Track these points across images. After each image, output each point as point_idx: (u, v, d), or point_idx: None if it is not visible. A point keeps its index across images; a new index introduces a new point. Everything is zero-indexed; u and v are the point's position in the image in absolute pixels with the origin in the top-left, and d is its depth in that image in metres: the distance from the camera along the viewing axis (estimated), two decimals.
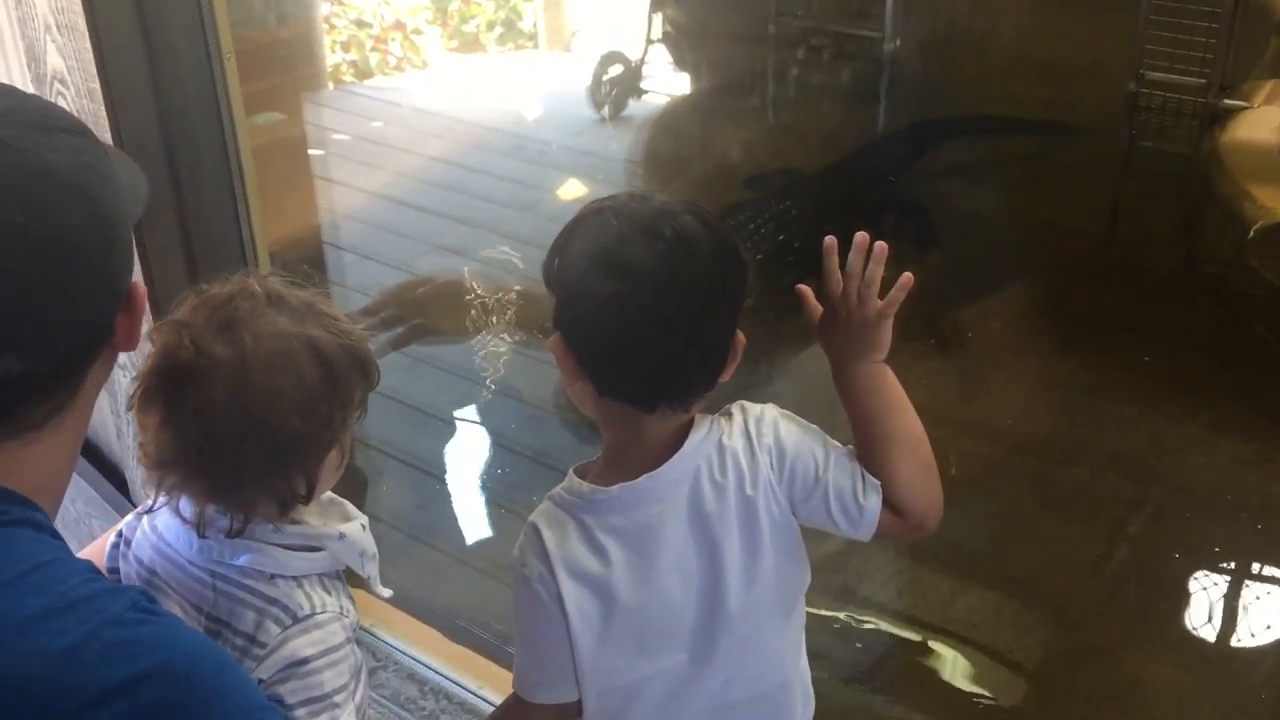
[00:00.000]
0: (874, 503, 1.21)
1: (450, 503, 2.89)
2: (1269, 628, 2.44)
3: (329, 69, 5.62)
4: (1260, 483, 2.73)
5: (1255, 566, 2.61)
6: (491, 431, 3.10)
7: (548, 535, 1.20)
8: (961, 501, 2.27)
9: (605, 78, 5.01)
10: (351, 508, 1.23)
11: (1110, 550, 2.58)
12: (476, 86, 5.53)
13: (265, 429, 1.07)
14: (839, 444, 1.24)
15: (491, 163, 4.51)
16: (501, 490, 2.86)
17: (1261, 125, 4.41)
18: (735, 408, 1.25)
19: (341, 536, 1.17)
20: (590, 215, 1.22)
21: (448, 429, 3.12)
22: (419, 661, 2.13)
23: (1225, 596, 2.49)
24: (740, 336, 1.20)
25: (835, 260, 1.23)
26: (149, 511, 1.18)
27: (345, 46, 5.95)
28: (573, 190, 4.39)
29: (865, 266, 1.21)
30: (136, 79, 1.67)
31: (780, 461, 1.21)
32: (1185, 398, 3.02)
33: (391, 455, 2.92)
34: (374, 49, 6.06)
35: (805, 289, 1.28)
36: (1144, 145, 4.60)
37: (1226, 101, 4.39)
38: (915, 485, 1.21)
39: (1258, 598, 2.53)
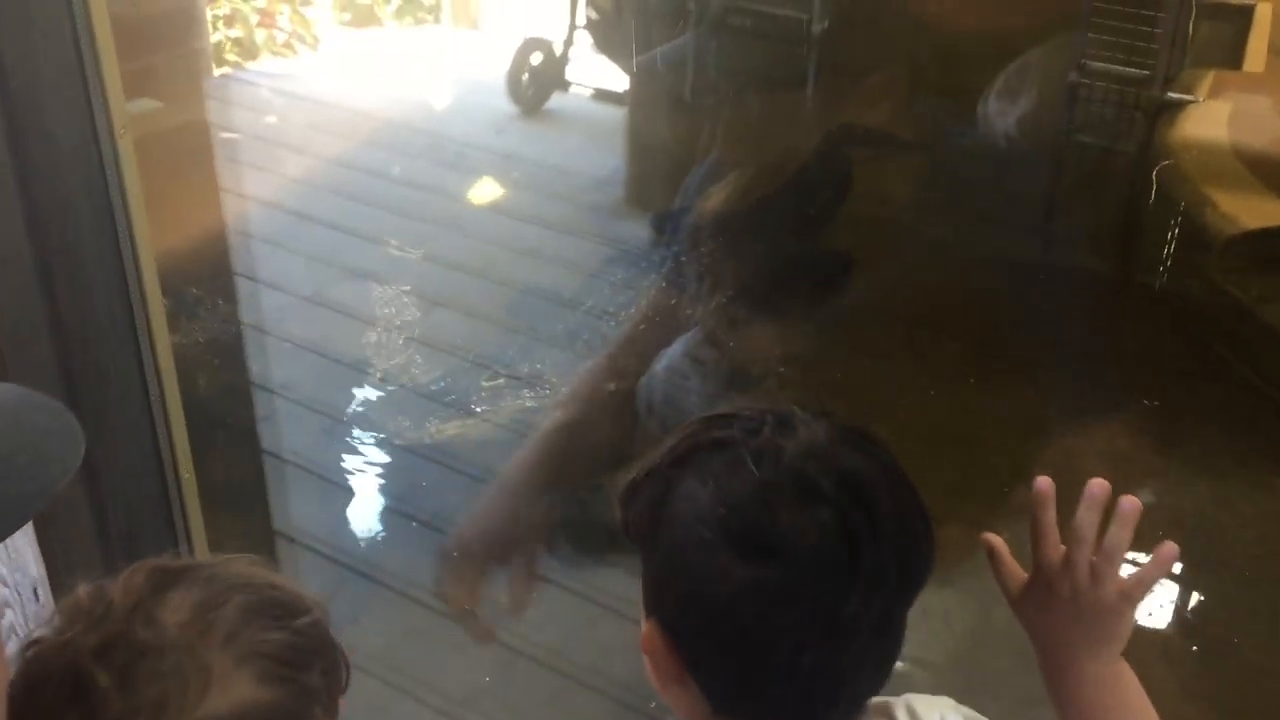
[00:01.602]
0: None
1: None
2: None
3: (211, 48, 5.03)
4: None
5: None
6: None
7: None
8: None
9: (526, 68, 4.55)
10: None
11: None
12: (376, 69, 5.01)
13: None
14: None
15: (403, 166, 4.03)
16: None
17: (1211, 121, 4.17)
18: (901, 709, 0.89)
19: None
20: (707, 447, 0.83)
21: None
22: None
23: None
24: None
25: (1052, 514, 0.87)
26: None
27: (228, 21, 5.34)
28: (499, 202, 3.95)
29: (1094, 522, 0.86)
30: None
31: None
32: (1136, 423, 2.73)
33: None
34: (260, 24, 5.47)
35: (996, 542, 0.91)
36: (1082, 140, 4.35)
37: (1170, 95, 4.13)
38: None
39: None
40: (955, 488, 2.36)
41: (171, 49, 1.71)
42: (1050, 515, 0.87)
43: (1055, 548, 0.88)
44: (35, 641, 0.85)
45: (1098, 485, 0.86)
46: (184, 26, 1.80)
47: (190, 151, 1.70)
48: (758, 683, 0.81)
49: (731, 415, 0.85)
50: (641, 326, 2.28)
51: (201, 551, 1.57)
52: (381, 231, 3.66)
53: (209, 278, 1.84)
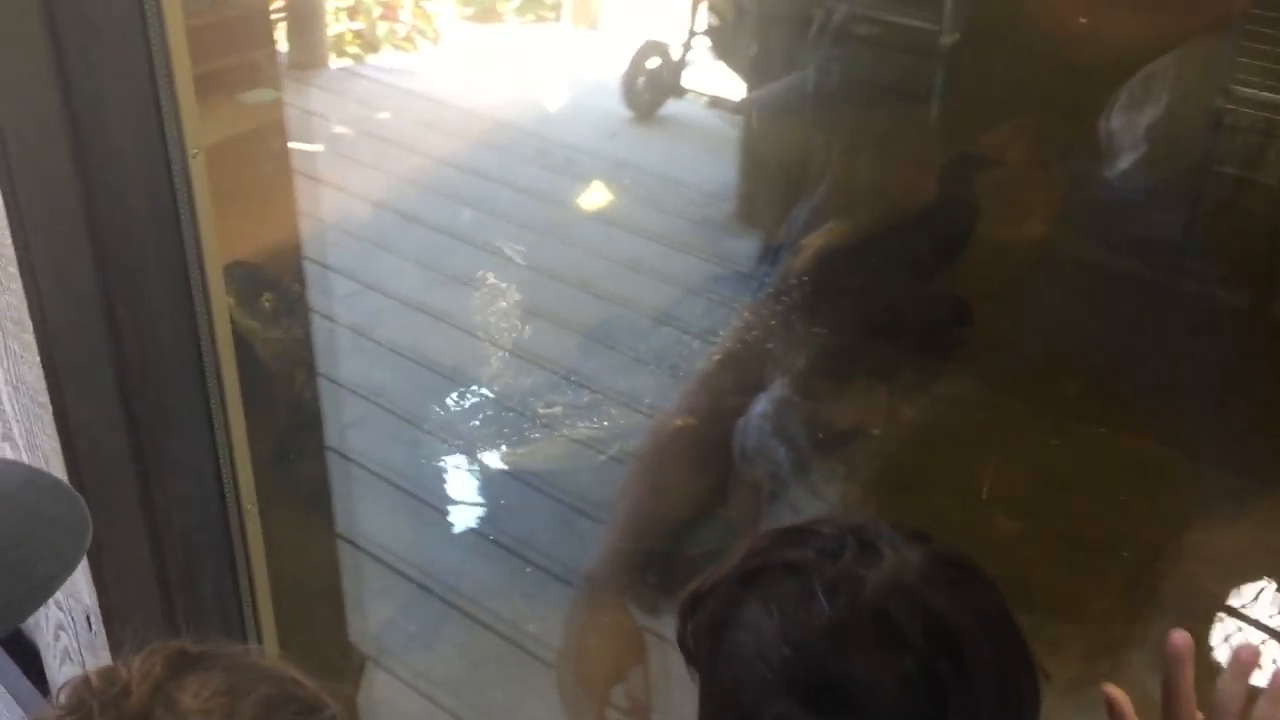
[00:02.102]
0: None
1: None
2: None
3: (330, 39, 5.05)
4: None
5: None
6: None
7: None
8: None
9: (642, 72, 4.45)
10: None
11: None
12: (494, 67, 4.96)
13: None
14: None
15: (512, 170, 3.96)
16: None
17: None
18: None
19: None
20: (777, 569, 0.72)
21: None
22: None
23: None
24: None
25: (1189, 677, 0.74)
26: None
27: (351, 13, 5.35)
28: (605, 211, 3.86)
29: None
30: None
31: None
32: None
33: None
34: (382, 17, 5.47)
35: (1118, 697, 0.78)
36: (1224, 171, 4.06)
37: None
38: None
39: None
40: (1072, 593, 2.18)
41: (244, 53, 1.65)
42: (1187, 678, 0.74)
43: (1191, 715, 0.74)
44: None
45: (1247, 651, 0.72)
46: (259, 30, 1.74)
47: (266, 157, 1.63)
48: None
49: (808, 531, 0.74)
50: (723, 363, 2.14)
51: (262, 590, 1.51)
52: (485, 237, 3.59)
53: (278, 283, 1.79)
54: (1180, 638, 0.74)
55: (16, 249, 1.14)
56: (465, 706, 2.18)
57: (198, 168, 1.24)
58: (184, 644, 0.85)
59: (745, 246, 3.39)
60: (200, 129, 1.22)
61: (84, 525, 0.80)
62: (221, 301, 1.31)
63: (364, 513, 2.51)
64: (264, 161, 1.69)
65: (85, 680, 0.82)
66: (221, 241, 1.36)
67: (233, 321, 2.02)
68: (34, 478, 0.84)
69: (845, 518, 0.76)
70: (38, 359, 1.21)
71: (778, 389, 1.81)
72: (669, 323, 3.16)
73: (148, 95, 1.17)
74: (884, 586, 0.69)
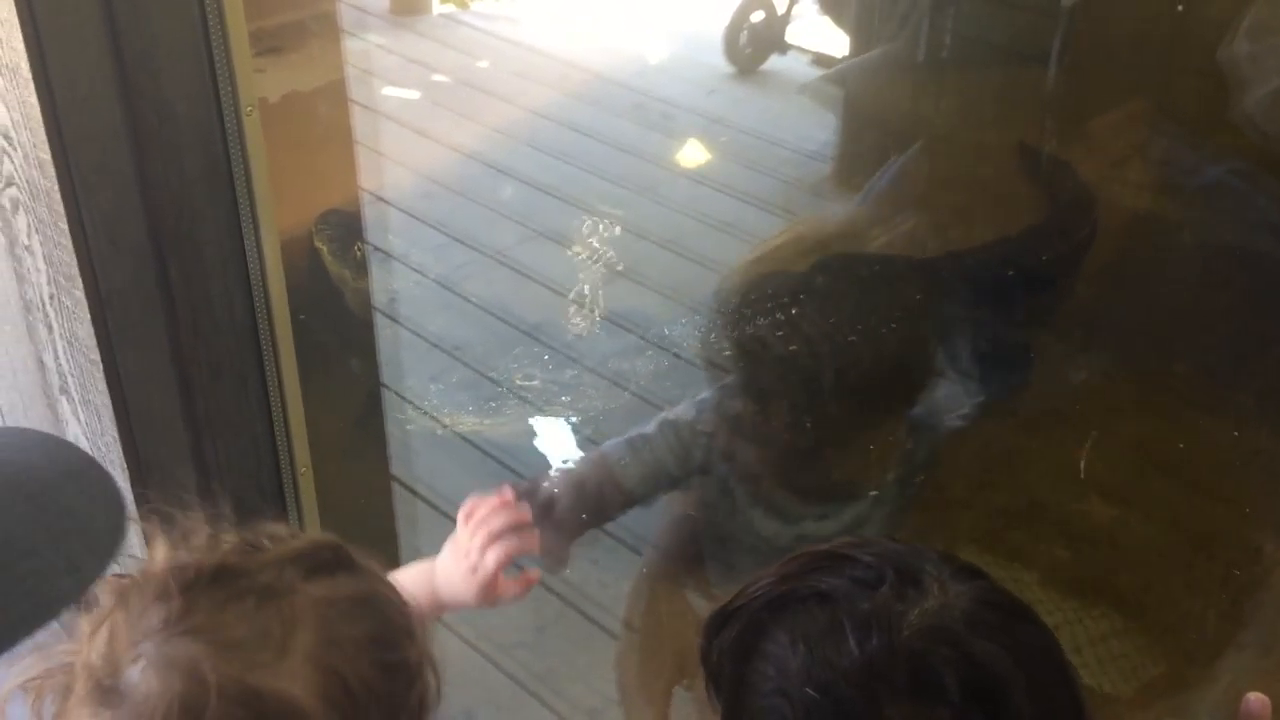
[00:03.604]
0: None
1: None
2: None
3: None
4: None
5: None
6: None
7: None
8: None
9: (745, 25, 4.33)
10: None
11: None
12: (595, 17, 4.88)
13: None
14: None
15: (606, 124, 3.90)
16: None
17: None
18: None
19: None
20: (804, 600, 0.66)
21: None
22: None
23: None
24: None
25: None
26: None
27: None
28: (699, 169, 3.78)
29: None
30: None
31: None
32: None
33: None
34: None
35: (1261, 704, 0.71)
36: None
37: None
38: None
39: None
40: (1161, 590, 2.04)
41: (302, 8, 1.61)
42: None
43: None
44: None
45: (1258, 703, 0.65)
46: None
47: (325, 116, 1.60)
48: None
49: (845, 556, 0.68)
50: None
51: None
52: (576, 192, 3.55)
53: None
54: (1257, 701, 0.66)
55: (66, 206, 1.13)
56: (525, 670, 2.17)
57: (253, 124, 1.20)
58: (347, 548, 0.83)
59: (838, 210, 3.29)
60: (254, 84, 1.19)
61: (119, 500, 0.75)
62: (276, 260, 1.28)
63: (433, 467, 2.50)
64: (336, 115, 1.65)
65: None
66: (291, 195, 1.34)
67: (326, 269, 2.01)
68: (58, 450, 0.78)
69: (889, 543, 0.69)
70: (89, 315, 1.19)
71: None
72: None
73: (201, 50, 1.14)
74: (925, 628, 0.63)
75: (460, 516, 1.14)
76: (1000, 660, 0.62)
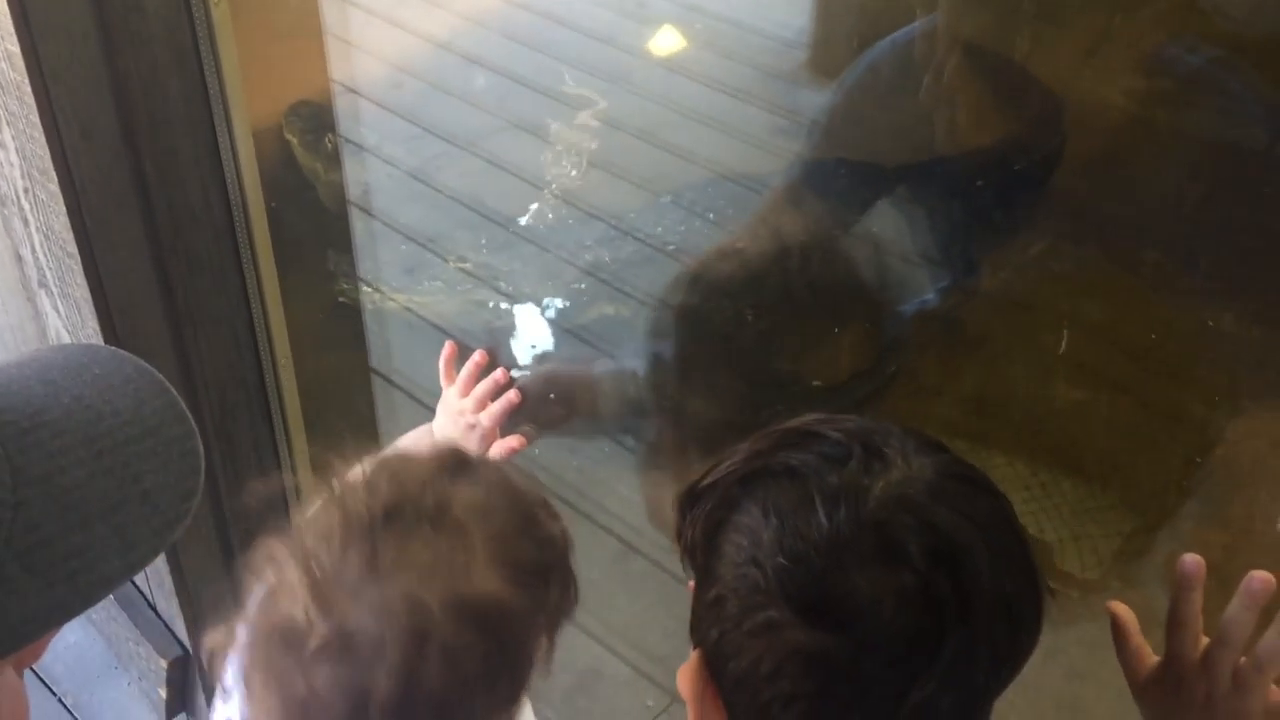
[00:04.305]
0: None
1: None
2: None
3: None
4: None
5: None
6: None
7: None
8: None
9: None
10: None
11: None
12: None
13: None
14: None
15: (580, 13, 3.84)
16: None
17: None
18: None
19: None
20: (774, 475, 0.69)
21: None
22: None
23: None
24: None
25: (1197, 601, 0.71)
26: None
27: None
28: (674, 58, 3.73)
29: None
30: None
31: None
32: None
33: None
34: None
35: (1123, 614, 0.76)
36: None
37: None
38: None
39: None
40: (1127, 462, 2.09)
41: None
42: (1195, 602, 0.71)
43: (1195, 641, 0.72)
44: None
45: (1259, 580, 0.69)
46: None
47: (294, 5, 1.57)
48: None
49: (814, 434, 0.71)
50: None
51: (299, 442, 1.52)
52: (549, 82, 3.51)
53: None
54: (1191, 562, 0.71)
55: (37, 99, 1.12)
56: None
57: (221, 13, 1.19)
58: (464, 450, 0.89)
59: (814, 99, 3.27)
60: None
61: (188, 492, 0.66)
62: (249, 151, 1.29)
63: (410, 357, 2.52)
64: (305, 3, 1.63)
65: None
66: (262, 87, 1.33)
67: (298, 162, 2.00)
68: (147, 402, 0.68)
69: (855, 421, 0.72)
70: (64, 208, 1.20)
71: None
72: (732, 178, 3.08)
73: None
74: (890, 499, 0.66)
75: (441, 363, 1.30)
76: (961, 527, 0.66)
